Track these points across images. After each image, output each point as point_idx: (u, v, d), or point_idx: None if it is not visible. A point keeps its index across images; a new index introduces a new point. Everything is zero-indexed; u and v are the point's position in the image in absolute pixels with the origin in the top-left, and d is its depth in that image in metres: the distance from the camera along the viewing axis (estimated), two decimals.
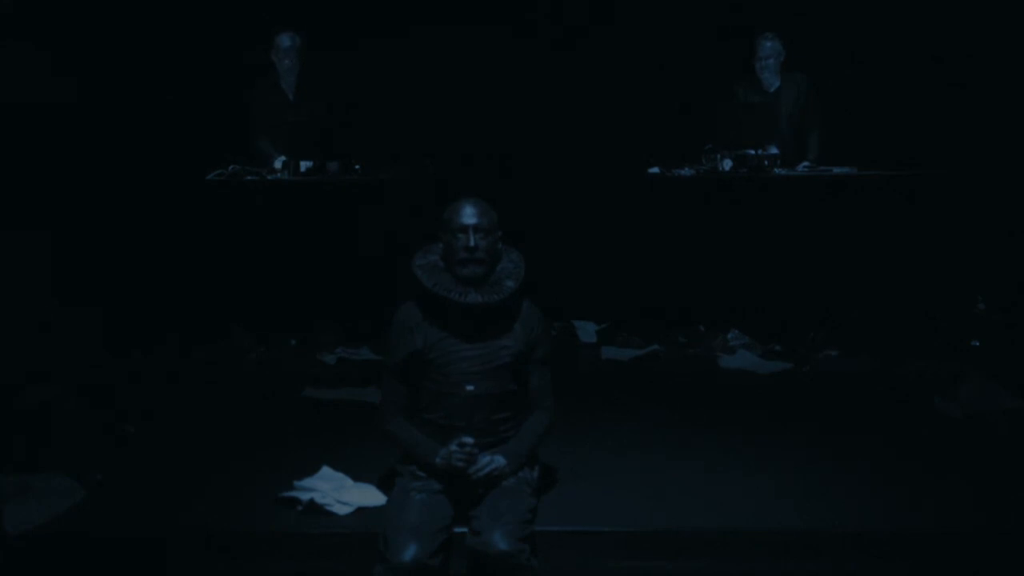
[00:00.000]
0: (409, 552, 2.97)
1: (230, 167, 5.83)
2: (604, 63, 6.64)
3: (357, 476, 3.58)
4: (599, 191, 5.84)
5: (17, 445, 3.97)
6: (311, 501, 3.41)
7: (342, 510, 3.40)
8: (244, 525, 3.39)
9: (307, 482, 3.52)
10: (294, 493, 3.47)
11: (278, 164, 5.90)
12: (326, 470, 3.61)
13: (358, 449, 3.85)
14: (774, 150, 5.90)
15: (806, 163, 5.98)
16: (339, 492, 3.46)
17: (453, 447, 3.20)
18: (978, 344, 5.40)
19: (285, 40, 6.18)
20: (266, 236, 5.66)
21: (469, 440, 3.20)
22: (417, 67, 6.71)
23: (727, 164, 5.75)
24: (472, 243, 3.25)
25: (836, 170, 5.88)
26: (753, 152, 5.79)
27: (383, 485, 3.49)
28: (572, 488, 3.58)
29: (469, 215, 3.28)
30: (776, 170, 5.80)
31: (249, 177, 5.80)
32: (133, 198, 5.92)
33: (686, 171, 5.86)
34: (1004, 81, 6.30)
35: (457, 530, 3.16)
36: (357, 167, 5.89)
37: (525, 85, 6.61)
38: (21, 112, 5.94)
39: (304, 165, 5.81)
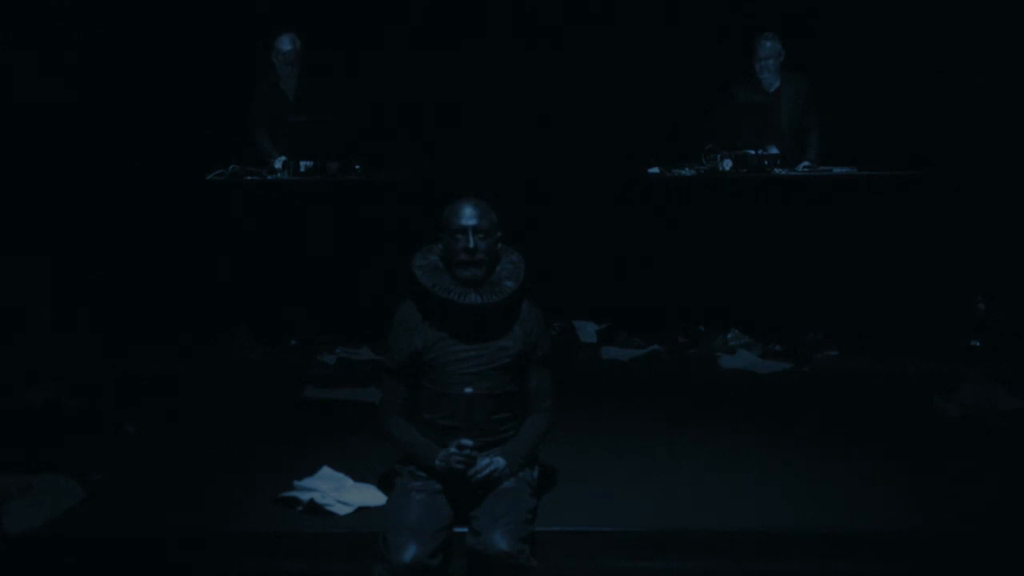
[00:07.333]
0: (409, 552, 2.97)
1: (230, 167, 5.84)
2: (603, 62, 6.64)
3: (357, 476, 3.58)
4: (599, 191, 5.84)
5: (17, 445, 3.97)
6: (311, 501, 3.41)
7: (342, 510, 3.40)
8: (244, 525, 3.39)
9: (307, 482, 3.52)
10: (294, 493, 3.47)
11: (278, 164, 5.90)
12: (326, 470, 3.61)
13: (358, 449, 3.85)
14: (774, 150, 5.91)
15: (806, 163, 5.98)
16: (339, 492, 3.46)
17: (452, 449, 3.20)
18: (978, 344, 5.40)
19: (286, 43, 6.19)
20: (266, 236, 5.66)
21: (468, 442, 3.20)
22: (417, 66, 6.71)
23: (727, 164, 5.76)
24: (472, 245, 3.25)
25: (836, 170, 5.89)
26: (753, 152, 5.79)
27: (383, 485, 3.49)
28: (572, 488, 3.58)
29: (469, 216, 3.28)
30: (776, 170, 5.80)
31: (249, 177, 5.81)
32: (133, 198, 5.94)
33: (686, 171, 5.86)
34: (1004, 81, 6.30)
35: (457, 530, 3.16)
36: (357, 167, 5.90)
37: (525, 84, 6.61)
38: (22, 112, 5.95)
39: (304, 165, 5.81)
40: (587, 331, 5.71)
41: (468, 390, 3.26)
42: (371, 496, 3.47)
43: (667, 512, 3.43)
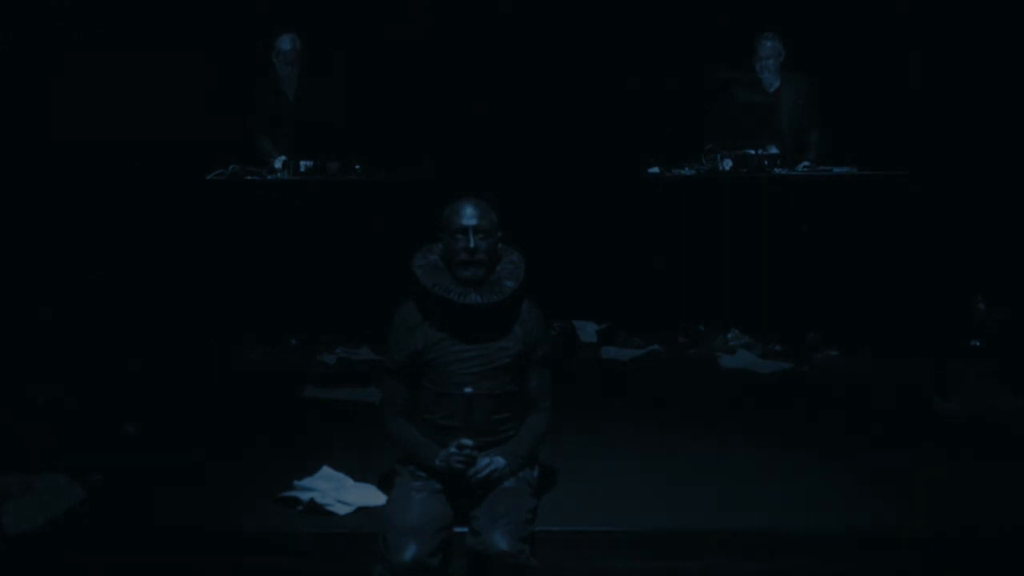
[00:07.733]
0: (409, 552, 2.97)
1: (230, 167, 5.84)
2: (603, 61, 6.64)
3: (357, 476, 3.58)
4: (599, 191, 5.84)
5: (18, 444, 3.97)
6: (311, 501, 3.41)
7: (342, 510, 3.41)
8: (244, 525, 3.39)
9: (307, 482, 3.52)
10: (294, 493, 3.47)
11: (278, 164, 5.90)
12: (326, 470, 3.61)
13: (358, 449, 3.85)
14: (774, 150, 5.91)
15: (806, 163, 5.98)
16: (339, 492, 3.46)
17: (452, 449, 3.20)
18: (978, 344, 5.40)
19: (286, 43, 6.19)
20: (266, 236, 5.66)
21: (468, 442, 3.20)
22: (417, 65, 6.71)
23: (727, 164, 5.76)
24: (472, 245, 3.25)
25: (836, 170, 5.88)
26: (753, 152, 5.79)
27: (383, 485, 3.48)
28: (572, 488, 3.58)
29: (469, 216, 3.27)
30: (776, 170, 5.80)
31: (249, 177, 5.81)
32: (133, 198, 5.94)
33: (686, 171, 5.86)
34: (1005, 81, 6.30)
35: (457, 530, 3.16)
36: (357, 167, 5.89)
37: (525, 84, 6.61)
38: (22, 112, 5.95)
39: (304, 165, 5.81)
40: (587, 331, 5.71)
41: (468, 390, 3.26)
42: (371, 496, 3.47)
43: (667, 512, 3.43)
